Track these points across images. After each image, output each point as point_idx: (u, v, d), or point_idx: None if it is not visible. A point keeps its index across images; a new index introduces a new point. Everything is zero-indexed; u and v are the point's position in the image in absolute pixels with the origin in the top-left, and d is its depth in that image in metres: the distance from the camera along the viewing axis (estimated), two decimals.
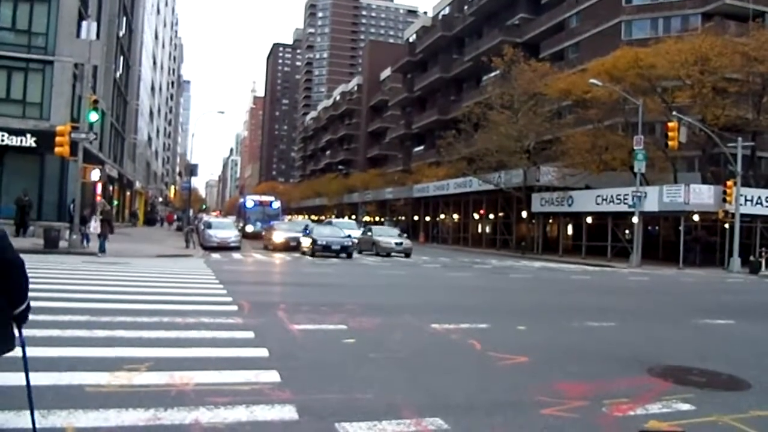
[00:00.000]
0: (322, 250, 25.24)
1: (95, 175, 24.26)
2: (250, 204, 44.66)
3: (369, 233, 31.98)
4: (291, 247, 28.44)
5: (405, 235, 33.84)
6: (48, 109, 27.49)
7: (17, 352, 3.30)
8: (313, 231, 27.39)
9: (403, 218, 63.71)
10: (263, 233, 35.71)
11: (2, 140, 26.40)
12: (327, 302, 11.10)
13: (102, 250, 20.22)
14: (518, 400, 5.17)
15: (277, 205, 45.57)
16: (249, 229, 41.78)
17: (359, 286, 14.99)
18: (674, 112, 28.30)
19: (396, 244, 29.44)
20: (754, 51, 30.06)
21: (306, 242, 26.31)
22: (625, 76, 32.65)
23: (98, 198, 22.42)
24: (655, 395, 5.40)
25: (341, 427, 4.14)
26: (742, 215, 28.83)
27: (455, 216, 53.77)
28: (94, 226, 21.78)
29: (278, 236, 29.18)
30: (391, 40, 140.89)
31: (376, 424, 4.25)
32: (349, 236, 27.93)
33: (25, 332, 3.53)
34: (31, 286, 3.37)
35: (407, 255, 28.84)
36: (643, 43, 36.34)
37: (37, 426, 3.89)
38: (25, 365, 3.57)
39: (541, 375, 6.08)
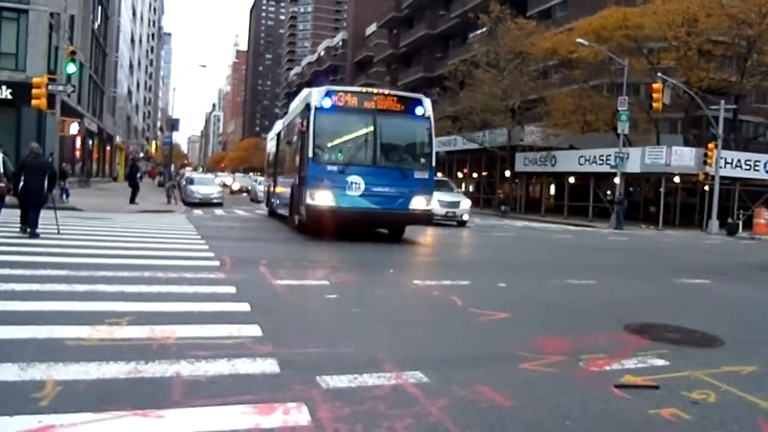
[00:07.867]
0: None
1: (74, 128, 23.83)
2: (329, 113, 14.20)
3: None
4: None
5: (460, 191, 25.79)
6: (24, 59, 26.78)
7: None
8: None
9: None
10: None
11: None
12: (308, 258, 11.11)
13: None
14: (498, 355, 5.25)
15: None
16: (321, 200, 13.71)
17: (339, 242, 14.99)
18: (659, 74, 28.27)
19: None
20: (743, 13, 29.93)
21: None
22: (611, 36, 32.43)
23: None
24: (631, 351, 5.51)
25: (322, 380, 4.17)
26: (722, 178, 29.18)
27: (439, 174, 53.79)
28: None
29: None
30: None
31: (356, 377, 4.29)
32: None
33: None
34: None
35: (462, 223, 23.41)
36: (631, 2, 36.02)
37: (16, 380, 3.89)
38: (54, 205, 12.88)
39: (521, 331, 6.16)
